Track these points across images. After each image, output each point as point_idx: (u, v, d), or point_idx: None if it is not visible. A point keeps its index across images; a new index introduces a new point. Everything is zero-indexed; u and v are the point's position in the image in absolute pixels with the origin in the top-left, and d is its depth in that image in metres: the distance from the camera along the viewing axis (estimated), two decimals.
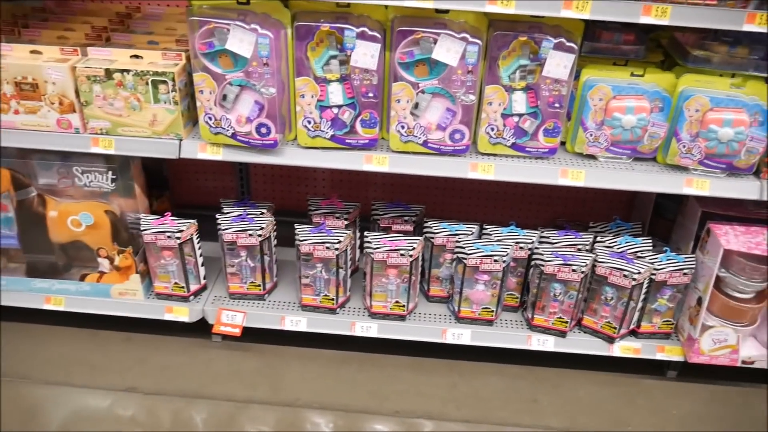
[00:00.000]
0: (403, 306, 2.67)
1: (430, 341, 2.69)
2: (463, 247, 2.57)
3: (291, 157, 2.31)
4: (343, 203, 2.85)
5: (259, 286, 2.77)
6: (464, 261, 2.55)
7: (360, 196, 3.41)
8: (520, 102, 2.20)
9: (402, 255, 2.51)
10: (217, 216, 2.67)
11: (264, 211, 2.78)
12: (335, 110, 2.21)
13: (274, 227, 2.78)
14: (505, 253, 2.54)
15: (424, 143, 2.25)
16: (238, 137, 2.28)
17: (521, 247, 2.66)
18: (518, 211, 3.41)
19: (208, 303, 2.77)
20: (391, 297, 2.66)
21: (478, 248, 2.55)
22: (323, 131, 2.28)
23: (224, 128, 2.28)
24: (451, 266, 2.76)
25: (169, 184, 3.30)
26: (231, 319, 2.72)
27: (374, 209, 2.83)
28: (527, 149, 2.31)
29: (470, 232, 2.70)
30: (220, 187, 3.45)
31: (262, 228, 2.63)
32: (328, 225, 2.78)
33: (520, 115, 2.24)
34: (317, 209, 2.79)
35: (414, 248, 2.52)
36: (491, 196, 3.38)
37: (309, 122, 2.25)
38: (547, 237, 2.71)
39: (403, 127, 2.24)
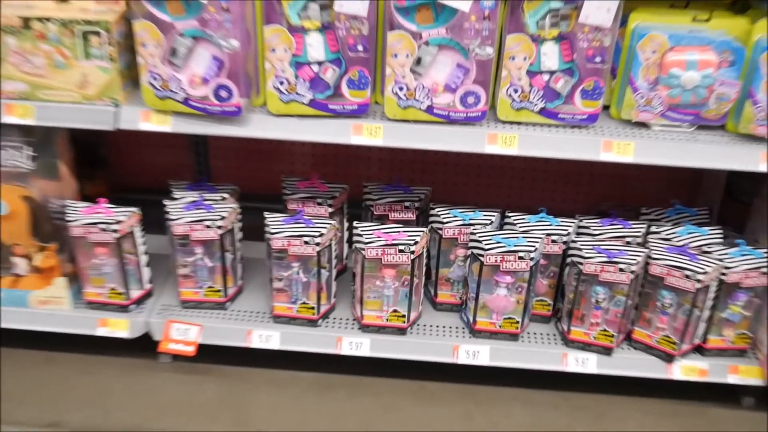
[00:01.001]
0: (403, 316, 2.68)
1: (437, 361, 2.72)
2: (480, 241, 2.57)
3: (259, 127, 2.32)
4: (326, 185, 2.87)
5: (220, 291, 2.80)
6: (481, 258, 2.57)
7: (348, 175, 3.42)
8: (550, 56, 2.21)
9: (402, 251, 2.53)
10: (166, 203, 2.70)
11: (225, 195, 2.81)
12: (315, 68, 2.23)
13: (239, 217, 2.79)
14: (533, 248, 2.56)
15: (429, 109, 2.29)
16: (192, 103, 2.28)
17: (554, 241, 2.67)
18: (550, 194, 3.42)
19: (154, 314, 2.81)
20: (387, 305, 2.67)
21: (498, 242, 2.56)
22: (300, 95, 2.29)
23: (174, 91, 2.27)
24: (464, 265, 2.79)
25: (106, 163, 3.34)
26: (183, 334, 2.74)
27: (366, 193, 2.86)
28: (560, 116, 2.33)
29: (489, 222, 2.71)
30: (171, 165, 3.48)
31: (222, 218, 2.65)
32: (308, 213, 2.77)
33: (551, 73, 2.25)
34: (294, 193, 2.79)
35: (417, 242, 2.54)
36: (515, 175, 3.40)
37: (282, 83, 2.27)
38: (587, 227, 2.73)
39: (401, 89, 2.27)
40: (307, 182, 2.87)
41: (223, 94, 2.26)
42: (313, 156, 3.38)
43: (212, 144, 3.39)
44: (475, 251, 2.63)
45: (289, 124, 2.33)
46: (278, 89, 2.29)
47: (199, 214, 2.67)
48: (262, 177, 3.44)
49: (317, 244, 2.58)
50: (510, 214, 2.74)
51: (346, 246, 3.03)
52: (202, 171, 3.41)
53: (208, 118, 2.33)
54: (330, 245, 2.67)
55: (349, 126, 2.32)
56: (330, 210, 2.79)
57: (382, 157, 3.38)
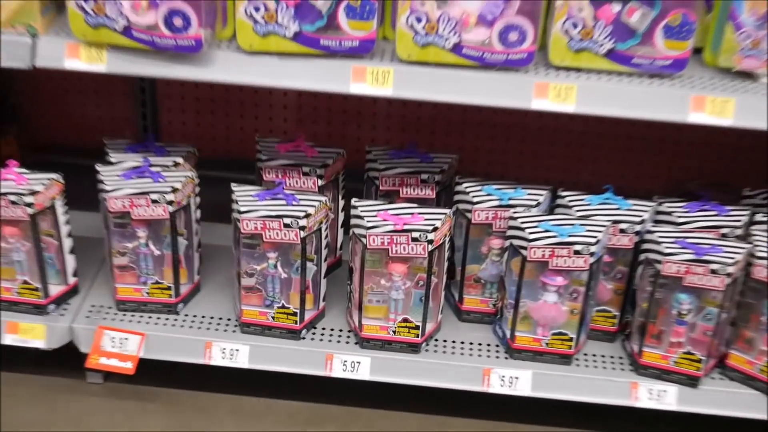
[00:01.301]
0: (417, 327, 2.69)
1: (461, 389, 2.74)
2: (522, 228, 2.58)
3: (225, 68, 2.33)
4: (316, 149, 2.88)
5: (169, 289, 2.82)
6: (523, 252, 2.58)
7: (347, 137, 3.42)
8: None
9: (416, 240, 2.55)
10: (99, 168, 2.71)
11: (179, 160, 2.81)
12: None
13: (197, 189, 2.80)
14: (593, 240, 2.56)
15: (456, 48, 2.30)
16: (135, 33, 2.28)
17: (623, 230, 2.68)
18: (618, 168, 3.40)
19: (81, 317, 2.82)
20: (395, 312, 2.69)
21: (547, 230, 2.57)
22: (281, 26, 2.30)
23: (111, 17, 2.28)
24: (500, 261, 2.78)
25: (18, 114, 3.34)
26: (119, 345, 2.76)
27: (370, 161, 2.87)
28: (635, 61, 2.34)
29: (534, 203, 2.71)
30: (106, 119, 3.47)
31: (174, 190, 2.66)
32: (289, 186, 2.79)
33: (624, 2, 2.28)
34: (271, 159, 2.81)
35: (436, 228, 2.55)
36: (572, 140, 3.39)
37: (257, 10, 2.28)
38: (669, 213, 2.73)
39: (419, 21, 2.28)
40: (291, 145, 2.88)
41: (177, 22, 2.26)
42: (299, 110, 3.36)
43: (163, 91, 3.38)
44: (516, 242, 2.61)
45: (267, 66, 2.32)
46: (252, 18, 2.29)
47: (142, 184, 2.66)
48: (230, 137, 3.43)
49: (301, 228, 2.57)
50: (564, 194, 2.76)
51: (341, 232, 3.03)
52: (148, 127, 3.40)
53: (157, 56, 2.32)
54: (319, 230, 2.66)
55: (348, 69, 2.31)
56: (320, 183, 2.80)
57: (392, 114, 3.36)
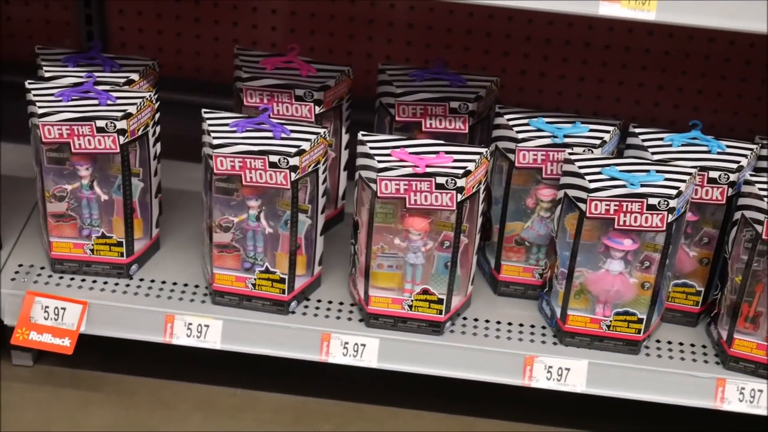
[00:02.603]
0: (440, 301, 2.71)
1: (495, 381, 2.75)
2: (581, 175, 2.57)
3: None
4: (313, 65, 2.87)
5: (120, 245, 2.82)
6: (581, 206, 2.57)
7: (353, 53, 3.41)
8: None
9: (441, 186, 2.54)
10: (29, 85, 2.70)
11: (134, 76, 2.80)
12: None
13: (156, 114, 2.80)
14: (673, 192, 2.54)
15: None
16: None
17: (713, 180, 2.67)
18: (709, 97, 3.39)
19: (5, 280, 2.83)
20: (413, 280, 2.71)
21: (613, 177, 2.56)
22: None
23: None
24: (550, 217, 2.78)
25: None
26: (55, 316, 2.76)
27: (384, 82, 2.86)
28: None
29: (599, 141, 2.70)
30: (39, 23, 3.46)
31: (127, 115, 2.65)
32: (277, 114, 2.80)
33: None
34: (255, 77, 2.82)
35: (469, 171, 2.55)
36: (650, 62, 3.37)
37: None
38: None
39: None
40: (280, 59, 2.88)
41: None
42: (291, 16, 3.34)
43: None
44: (572, 193, 2.60)
45: None
46: None
47: (85, 107, 2.65)
48: (200, 50, 3.42)
49: (292, 169, 2.57)
50: (636, 130, 2.75)
51: (343, 176, 3.03)
52: (94, 35, 3.39)
53: None
54: (315, 172, 2.66)
55: None
56: (318, 110, 2.81)
57: (414, 23, 3.35)
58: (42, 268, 2.86)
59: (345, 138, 2.97)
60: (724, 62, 3.33)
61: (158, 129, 2.83)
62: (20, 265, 2.87)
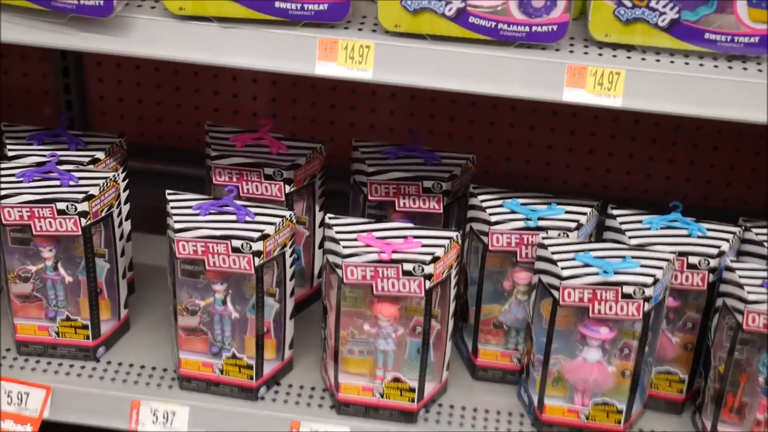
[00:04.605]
0: (412, 390, 2.67)
1: None
2: (554, 261, 2.53)
3: (146, 39, 2.31)
4: (284, 142, 2.85)
5: (85, 327, 2.78)
6: (555, 293, 2.52)
7: (337, 122, 3.41)
8: None
9: (409, 273, 2.50)
10: None
11: (99, 155, 2.78)
12: None
13: (125, 193, 2.78)
14: (650, 279, 2.50)
15: (460, 16, 2.25)
16: None
17: (693, 266, 2.63)
18: (691, 176, 3.36)
19: None
20: (384, 367, 2.67)
21: (587, 264, 2.52)
22: None
23: None
24: (527, 299, 2.72)
25: None
26: (18, 402, 2.73)
27: (357, 159, 2.84)
28: (707, 36, 2.26)
29: (575, 224, 2.66)
30: (20, 91, 3.46)
31: (88, 197, 2.62)
32: (247, 193, 2.78)
33: None
34: (224, 155, 2.80)
35: (437, 257, 2.52)
36: (627, 134, 3.34)
37: None
38: (759, 242, 2.68)
39: None
40: (251, 136, 2.86)
41: None
42: (273, 85, 3.33)
43: (91, 56, 3.39)
44: (545, 279, 2.55)
45: (201, 36, 2.30)
46: None
47: (47, 188, 2.63)
48: (182, 118, 3.43)
49: (256, 254, 2.54)
50: (614, 212, 2.73)
51: (319, 254, 3.00)
52: (73, 103, 3.40)
53: (56, 18, 2.30)
54: (282, 255, 2.62)
55: (313, 42, 2.28)
56: (288, 189, 2.79)
57: (397, 93, 3.34)
58: (8, 350, 2.82)
59: (319, 216, 2.93)
60: (716, 133, 3.32)
61: (126, 208, 2.82)
62: None
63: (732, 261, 2.59)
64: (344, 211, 2.83)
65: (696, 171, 3.35)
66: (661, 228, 2.67)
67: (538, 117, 3.33)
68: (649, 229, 2.67)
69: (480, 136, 3.35)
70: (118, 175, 2.73)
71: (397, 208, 2.79)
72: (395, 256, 2.50)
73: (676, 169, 3.35)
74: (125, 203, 2.83)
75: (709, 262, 2.61)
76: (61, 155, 2.73)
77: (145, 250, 3.04)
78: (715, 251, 2.62)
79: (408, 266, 2.50)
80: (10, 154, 2.76)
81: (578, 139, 3.34)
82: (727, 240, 2.65)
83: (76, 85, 3.37)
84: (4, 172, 2.66)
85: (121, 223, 2.78)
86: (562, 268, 2.50)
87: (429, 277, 2.50)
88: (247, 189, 2.79)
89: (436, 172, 2.79)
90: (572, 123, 3.32)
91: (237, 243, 2.53)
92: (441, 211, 2.79)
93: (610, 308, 2.51)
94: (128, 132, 3.32)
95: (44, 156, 2.73)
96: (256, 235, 2.53)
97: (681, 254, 2.61)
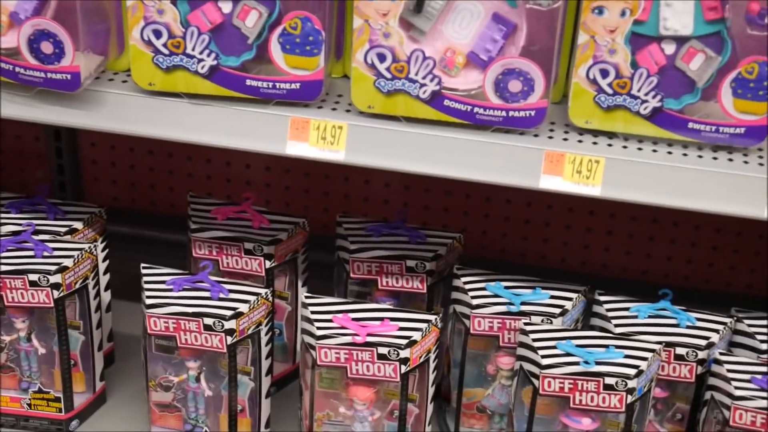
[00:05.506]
0: None
1: None
2: (534, 348, 2.49)
3: (116, 114, 2.33)
4: (266, 216, 2.84)
5: (58, 400, 2.76)
6: (535, 381, 2.49)
7: (330, 194, 3.41)
8: (681, 5, 2.17)
9: (384, 357, 2.49)
10: None
11: (78, 224, 2.79)
12: (225, 7, 2.25)
13: (102, 264, 2.78)
14: (633, 370, 2.46)
15: (435, 100, 2.26)
16: None
17: (681, 357, 2.60)
18: (688, 261, 3.35)
19: None
20: None
21: (568, 353, 2.50)
22: (193, 57, 2.27)
23: None
24: (509, 385, 2.68)
25: None
26: None
27: (340, 236, 2.83)
28: (691, 126, 2.25)
29: (559, 310, 2.64)
30: (11, 152, 3.48)
31: (62, 269, 2.61)
32: (227, 268, 2.77)
33: (680, 41, 2.20)
34: (204, 228, 2.80)
35: (414, 341, 2.50)
36: (614, 222, 3.34)
37: (158, 35, 2.25)
38: (751, 333, 2.64)
39: (382, 59, 2.23)
40: (233, 209, 2.86)
41: (47, 48, 2.24)
42: (260, 157, 3.31)
43: (85, 135, 3.41)
44: (526, 366, 2.51)
45: (171, 113, 2.31)
46: (152, 45, 2.25)
47: (20, 258, 2.63)
48: (175, 185, 3.43)
49: (228, 332, 2.52)
50: (602, 298, 2.71)
51: (299, 331, 2.95)
52: (65, 167, 3.42)
53: (20, 91, 2.32)
54: (257, 333, 2.59)
55: (285, 122, 2.29)
56: (268, 264, 2.77)
57: (371, 178, 3.35)
58: None
59: (302, 291, 2.90)
60: (691, 225, 3.32)
61: (105, 279, 2.82)
62: None
63: (721, 353, 2.57)
64: (332, 284, 2.83)
65: (698, 253, 3.33)
66: (649, 316, 2.65)
67: (535, 193, 3.27)
68: (636, 317, 2.65)
69: (476, 211, 3.34)
70: (95, 246, 2.71)
71: (380, 287, 2.78)
72: (370, 339, 2.50)
73: (677, 250, 3.33)
74: (104, 273, 2.82)
75: (697, 354, 2.59)
76: (37, 224, 2.73)
77: (128, 319, 3.00)
78: (703, 342, 2.60)
79: (383, 350, 2.49)
80: None
81: (576, 216, 3.32)
82: (717, 331, 2.62)
83: (68, 149, 3.40)
84: None
85: (97, 295, 2.76)
86: (542, 356, 2.47)
87: (405, 361, 2.49)
88: (227, 263, 2.78)
89: (421, 251, 2.77)
90: (570, 200, 3.29)
91: (209, 321, 2.52)
92: (425, 291, 2.77)
93: (592, 399, 2.47)
94: (120, 197, 3.33)
95: (20, 225, 2.73)
96: (229, 313, 2.52)
97: (668, 345, 2.59)
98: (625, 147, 2.25)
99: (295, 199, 3.20)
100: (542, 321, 2.60)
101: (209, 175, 3.38)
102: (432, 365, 2.59)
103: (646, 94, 2.21)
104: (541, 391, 2.46)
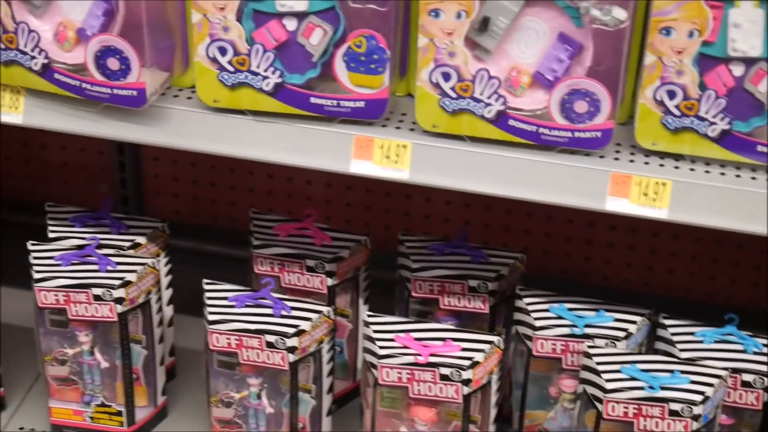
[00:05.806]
0: None
1: None
2: (598, 372, 2.45)
3: (180, 131, 2.33)
4: (328, 233, 2.83)
5: (119, 414, 2.77)
6: (599, 406, 2.45)
7: (392, 211, 3.40)
8: (749, 28, 2.12)
9: (446, 378, 2.47)
10: (30, 247, 2.69)
11: (141, 239, 2.80)
12: (289, 25, 2.22)
13: (165, 279, 2.79)
14: (699, 397, 2.41)
15: (500, 119, 2.24)
16: (58, 76, 2.28)
17: (748, 384, 2.56)
18: (754, 284, 3.29)
19: None
20: None
21: (632, 377, 2.46)
22: (257, 74, 2.26)
23: (26, 52, 2.29)
24: (572, 408, 2.65)
25: None
26: None
27: (402, 254, 2.81)
28: (759, 149, 2.22)
29: (623, 333, 2.61)
30: (76, 168, 3.50)
31: (125, 283, 2.61)
32: (288, 284, 2.77)
33: (749, 63, 2.16)
34: (266, 245, 2.79)
35: (477, 362, 2.47)
36: (688, 239, 3.30)
37: (223, 52, 2.24)
38: None
39: (447, 78, 2.20)
40: (295, 225, 2.85)
41: (113, 64, 2.24)
42: (322, 173, 3.27)
43: (147, 151, 3.44)
44: (589, 390, 2.49)
45: (235, 130, 2.31)
46: (217, 62, 2.25)
47: (84, 272, 2.64)
48: (236, 200, 3.43)
49: (290, 350, 2.51)
50: (666, 321, 2.67)
51: (360, 349, 2.94)
52: (127, 180, 3.44)
53: (87, 107, 2.32)
54: (320, 350, 2.59)
55: (349, 140, 2.28)
56: (330, 282, 2.75)
57: (434, 197, 3.34)
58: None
59: (363, 309, 2.89)
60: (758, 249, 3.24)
61: (168, 293, 2.85)
62: (20, 429, 2.84)
63: None
64: (392, 302, 2.82)
65: (763, 276, 3.27)
66: (715, 341, 2.62)
67: (597, 214, 3.24)
68: (701, 341, 2.62)
69: (537, 230, 3.32)
70: (158, 260, 2.73)
71: (441, 306, 2.77)
72: (432, 359, 2.49)
73: (742, 272, 3.28)
74: (167, 288, 2.84)
75: (764, 381, 2.55)
76: (101, 239, 2.75)
77: (190, 334, 3.01)
78: None
79: (445, 371, 2.47)
80: (51, 235, 2.79)
81: (640, 237, 3.29)
82: None
83: (131, 163, 3.42)
84: (43, 255, 2.67)
85: (160, 309, 2.78)
86: (607, 380, 2.44)
87: (467, 382, 2.47)
88: (289, 280, 2.78)
89: (483, 271, 2.76)
90: (634, 221, 3.24)
91: (271, 338, 2.52)
92: (487, 311, 2.75)
93: (657, 425, 2.44)
94: (181, 211, 3.33)
95: (84, 239, 2.75)
96: (292, 330, 2.52)
97: (734, 371, 2.54)
98: (692, 170, 2.22)
99: (356, 216, 3.20)
100: (606, 344, 2.57)
101: (270, 191, 3.38)
102: (494, 387, 2.57)
103: (714, 116, 2.18)
104: (605, 416, 2.44)
